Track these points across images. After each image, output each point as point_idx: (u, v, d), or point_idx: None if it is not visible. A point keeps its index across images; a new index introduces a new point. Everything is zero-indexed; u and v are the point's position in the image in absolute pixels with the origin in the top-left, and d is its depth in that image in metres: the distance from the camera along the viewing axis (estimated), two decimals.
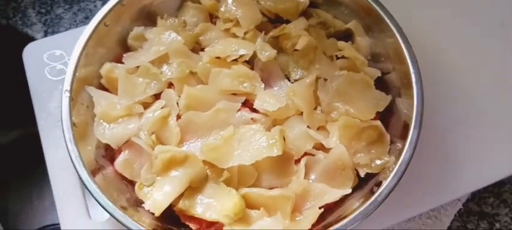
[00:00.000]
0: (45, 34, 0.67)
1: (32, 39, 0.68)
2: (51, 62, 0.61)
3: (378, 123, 0.52)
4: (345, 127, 0.51)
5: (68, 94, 0.50)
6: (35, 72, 0.61)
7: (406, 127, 0.51)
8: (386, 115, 0.54)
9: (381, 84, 0.56)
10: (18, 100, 0.70)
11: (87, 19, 0.69)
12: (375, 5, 0.57)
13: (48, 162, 0.57)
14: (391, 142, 0.52)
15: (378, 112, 0.53)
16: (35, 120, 0.61)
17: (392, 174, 0.46)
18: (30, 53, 0.62)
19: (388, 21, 0.56)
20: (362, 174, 0.50)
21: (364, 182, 0.51)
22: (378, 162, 0.50)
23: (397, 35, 0.55)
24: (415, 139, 0.48)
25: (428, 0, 0.70)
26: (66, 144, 0.48)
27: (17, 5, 0.70)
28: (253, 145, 0.50)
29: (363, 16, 0.59)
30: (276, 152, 0.48)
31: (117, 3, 0.56)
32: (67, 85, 0.51)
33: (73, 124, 0.49)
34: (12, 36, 0.69)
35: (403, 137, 0.50)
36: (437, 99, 0.60)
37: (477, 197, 0.66)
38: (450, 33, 0.67)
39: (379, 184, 0.48)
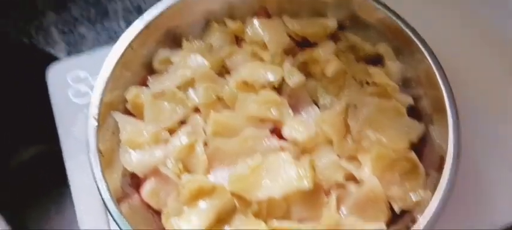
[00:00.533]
0: (68, 54, 0.67)
1: (55, 58, 0.67)
2: (75, 84, 0.60)
3: (412, 154, 0.50)
4: (378, 158, 0.49)
5: (94, 120, 0.50)
6: (58, 93, 0.61)
7: (441, 158, 0.49)
8: (418, 145, 0.53)
9: (412, 110, 0.55)
10: (38, 116, 0.70)
11: (110, 39, 0.68)
12: (404, 27, 0.55)
13: (73, 188, 0.56)
14: (426, 174, 0.50)
15: (411, 143, 0.52)
16: (55, 136, 0.60)
17: (428, 212, 0.45)
18: (53, 73, 0.62)
19: (418, 43, 0.54)
20: (397, 209, 0.49)
21: (399, 217, 0.49)
22: (413, 196, 0.49)
23: (429, 58, 0.53)
24: (453, 175, 0.46)
25: (460, 21, 0.68)
26: (93, 174, 0.47)
27: (40, 23, 0.70)
28: (283, 176, 0.48)
29: (392, 38, 0.58)
30: (306, 185, 0.47)
31: (143, 26, 0.55)
32: (94, 112, 0.50)
33: (100, 152, 0.48)
34: (35, 55, 0.68)
35: (439, 169, 0.48)
36: (471, 125, 0.58)
37: None
38: (486, 56, 0.65)
39: (414, 221, 0.46)
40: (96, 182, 0.47)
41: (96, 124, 0.50)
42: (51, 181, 0.87)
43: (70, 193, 0.58)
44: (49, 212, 0.90)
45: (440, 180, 0.46)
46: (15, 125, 0.83)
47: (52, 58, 0.67)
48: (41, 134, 0.82)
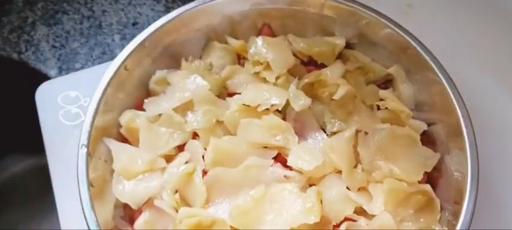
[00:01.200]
0: (60, 71, 0.63)
1: (45, 76, 0.63)
2: (66, 105, 0.57)
3: (428, 187, 0.47)
4: (391, 192, 0.46)
5: (85, 149, 0.46)
6: (48, 115, 0.57)
7: (457, 190, 0.46)
8: (433, 176, 0.49)
9: (426, 137, 0.51)
10: (28, 131, 0.67)
11: (104, 54, 0.64)
12: (415, 45, 0.52)
13: (61, 215, 0.53)
14: (441, 208, 0.47)
15: (424, 173, 0.48)
16: (45, 151, 0.56)
17: None
18: (43, 94, 0.58)
19: (431, 63, 0.51)
20: None
21: None
22: None
23: (443, 80, 0.50)
24: (472, 210, 0.43)
25: (474, 37, 0.65)
26: (83, 208, 0.44)
27: (30, 38, 0.66)
28: (288, 209, 0.45)
29: (403, 58, 0.54)
30: (313, 219, 0.43)
31: (138, 45, 0.51)
32: (84, 139, 0.46)
33: (90, 184, 0.45)
34: (25, 72, 0.65)
35: (456, 202, 0.45)
36: (488, 151, 0.54)
37: None
38: (502, 76, 0.62)
39: None
40: (85, 217, 0.43)
41: (86, 151, 0.46)
42: (42, 195, 0.85)
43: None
44: (39, 226, 0.87)
45: (460, 218, 0.43)
46: (4, 139, 0.80)
47: (43, 76, 0.64)
48: (32, 147, 0.79)
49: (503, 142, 0.58)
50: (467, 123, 0.48)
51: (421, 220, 0.46)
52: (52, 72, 0.63)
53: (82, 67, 0.63)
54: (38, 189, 0.85)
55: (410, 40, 0.52)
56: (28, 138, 0.70)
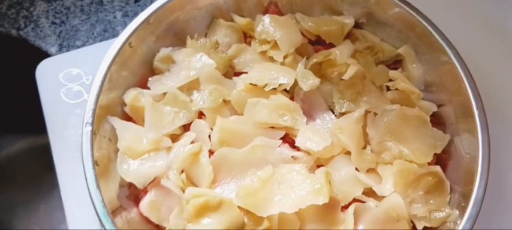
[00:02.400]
0: (60, 48, 0.61)
1: (45, 53, 0.62)
2: (68, 83, 0.55)
3: (438, 168, 0.46)
4: (401, 173, 0.45)
5: (90, 127, 0.45)
6: (49, 93, 0.56)
7: (468, 172, 0.45)
8: (443, 157, 0.49)
9: (435, 118, 0.51)
10: (27, 110, 0.66)
11: (105, 32, 0.63)
12: (426, 24, 0.51)
13: (64, 197, 0.52)
14: (451, 190, 0.46)
15: (434, 154, 0.48)
16: (45, 129, 0.55)
17: None
18: (44, 72, 0.57)
19: (442, 42, 0.50)
20: (419, 227, 0.45)
21: None
22: (438, 214, 0.45)
23: (454, 59, 0.49)
24: (483, 191, 0.43)
25: (486, 16, 0.64)
26: (88, 186, 0.43)
27: (29, 14, 0.64)
28: (296, 190, 0.44)
29: (413, 38, 0.53)
30: (322, 200, 0.43)
31: (143, 22, 0.50)
32: (88, 117, 0.45)
33: (95, 163, 0.44)
34: (24, 49, 0.63)
35: (465, 184, 0.45)
36: (499, 134, 0.53)
37: None
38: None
39: None
40: (90, 195, 0.43)
41: (91, 129, 0.45)
42: (39, 176, 0.84)
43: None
44: (38, 208, 0.86)
45: (470, 199, 0.42)
46: (2, 118, 0.79)
47: (43, 53, 0.63)
48: (29, 127, 0.77)
49: None
50: (479, 104, 0.47)
51: (431, 201, 0.46)
52: (52, 50, 0.62)
53: (83, 45, 0.62)
54: (38, 168, 0.84)
55: (419, 18, 0.51)
56: (28, 116, 0.68)
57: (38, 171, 0.84)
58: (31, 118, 0.63)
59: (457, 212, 0.44)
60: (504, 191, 0.54)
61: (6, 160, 0.87)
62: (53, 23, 0.63)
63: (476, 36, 0.62)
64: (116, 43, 0.48)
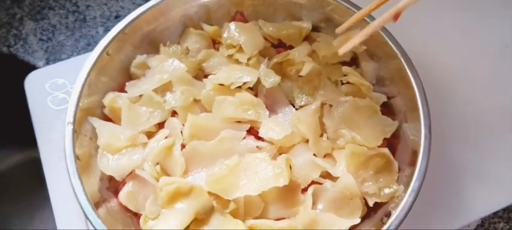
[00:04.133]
0: (47, 62, 0.67)
1: (33, 67, 0.67)
2: (54, 91, 0.60)
3: (386, 150, 0.51)
4: (352, 156, 0.50)
5: (71, 126, 0.50)
6: (37, 101, 0.61)
7: (414, 153, 0.50)
8: (393, 141, 0.54)
9: (387, 108, 0.56)
10: (19, 125, 0.70)
11: (89, 46, 0.68)
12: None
13: (52, 194, 0.56)
14: (399, 169, 0.51)
15: (384, 139, 0.53)
16: (37, 144, 0.60)
17: (402, 205, 0.46)
18: (32, 82, 0.62)
19: (391, 44, 0.55)
20: (371, 203, 0.50)
21: (373, 211, 0.50)
22: (387, 190, 0.50)
23: (401, 58, 0.54)
24: (424, 168, 0.47)
25: (431, 21, 0.70)
26: (70, 178, 0.47)
27: (18, 32, 0.70)
28: (259, 174, 0.49)
29: (366, 40, 0.59)
30: (282, 182, 0.47)
31: (119, 32, 0.55)
32: (70, 117, 0.50)
33: (76, 157, 0.48)
34: (14, 64, 0.68)
35: (412, 164, 0.50)
36: (444, 121, 0.59)
37: (487, 222, 0.65)
38: (456, 54, 0.67)
39: (388, 214, 0.47)
40: (72, 187, 0.47)
41: (72, 128, 0.50)
42: (33, 189, 0.87)
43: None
44: (33, 220, 0.89)
45: (414, 174, 0.47)
46: None
47: (31, 67, 0.68)
48: (21, 142, 0.81)
49: (457, 115, 0.63)
50: (422, 96, 0.52)
51: (381, 180, 0.50)
52: (40, 63, 0.67)
53: (68, 58, 0.67)
54: (30, 183, 0.88)
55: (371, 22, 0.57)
56: (18, 131, 0.73)
57: (31, 184, 0.87)
58: (23, 134, 0.67)
59: (403, 187, 0.48)
60: (444, 168, 0.59)
61: (0, 175, 0.90)
62: (41, 39, 0.69)
63: (422, 34, 0.68)
64: (95, 52, 0.53)
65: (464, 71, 0.67)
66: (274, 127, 0.52)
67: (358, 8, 0.58)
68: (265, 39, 0.59)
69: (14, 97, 0.66)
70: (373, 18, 0.54)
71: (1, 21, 0.71)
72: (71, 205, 0.55)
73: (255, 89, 0.56)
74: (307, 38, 0.61)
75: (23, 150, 0.88)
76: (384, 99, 0.56)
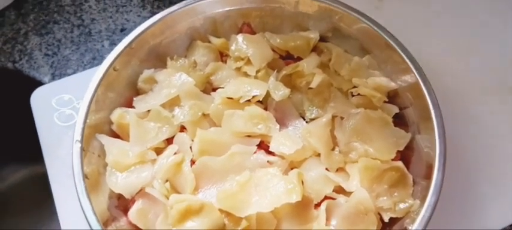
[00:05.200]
0: (53, 77, 0.66)
1: (39, 82, 0.66)
2: (60, 107, 0.60)
3: (400, 164, 0.50)
4: (366, 170, 0.49)
5: (79, 144, 0.49)
6: (43, 118, 0.60)
7: (429, 166, 0.49)
8: (406, 154, 0.53)
9: (399, 119, 0.55)
10: (25, 140, 0.69)
11: (94, 59, 0.68)
12: (386, 37, 0.56)
13: (59, 212, 0.55)
14: (414, 182, 0.50)
15: (398, 151, 0.52)
16: (43, 159, 0.59)
17: (418, 220, 0.45)
18: (38, 99, 0.61)
19: (401, 53, 0.54)
20: (386, 219, 0.49)
21: (388, 227, 0.49)
22: (402, 205, 0.48)
23: (412, 67, 0.53)
24: (440, 181, 0.46)
25: (442, 28, 0.69)
26: (79, 197, 0.47)
27: (23, 47, 0.69)
28: (271, 190, 0.48)
29: (376, 50, 0.58)
30: (295, 198, 0.47)
31: (125, 47, 0.55)
32: (78, 135, 0.49)
33: (85, 176, 0.48)
34: (19, 80, 0.67)
35: (427, 177, 0.49)
36: (458, 131, 0.58)
37: None
38: (468, 62, 0.66)
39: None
40: (81, 206, 0.46)
41: (80, 146, 0.49)
42: (40, 203, 0.87)
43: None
44: None
45: (430, 189, 0.46)
46: (1, 149, 0.82)
47: (37, 83, 0.67)
48: (29, 156, 0.81)
49: (470, 123, 0.62)
50: (435, 106, 0.51)
51: (396, 194, 0.49)
52: (46, 79, 0.66)
53: (74, 73, 0.66)
54: (37, 198, 0.87)
55: (380, 32, 0.56)
56: (25, 147, 0.72)
57: (37, 199, 0.87)
58: (30, 149, 0.67)
59: (419, 201, 0.47)
60: (461, 180, 0.57)
61: (8, 190, 0.90)
62: (46, 54, 0.68)
63: (435, 46, 0.67)
64: (101, 67, 0.53)
65: (476, 77, 0.66)
66: (285, 141, 0.51)
67: (366, 16, 0.57)
68: (274, 50, 0.59)
69: (20, 112, 0.65)
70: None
71: (6, 37, 0.70)
72: (79, 221, 0.54)
73: (264, 102, 0.55)
74: (315, 49, 0.60)
75: (29, 164, 0.88)
76: (396, 110, 0.55)
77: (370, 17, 0.57)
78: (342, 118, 0.53)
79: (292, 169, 0.51)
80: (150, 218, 0.50)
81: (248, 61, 0.57)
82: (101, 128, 0.53)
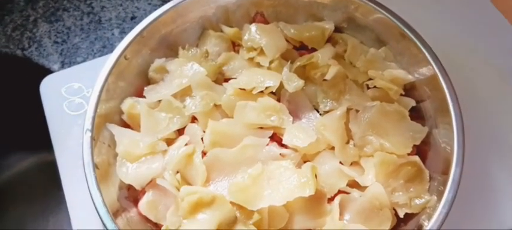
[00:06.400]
0: (62, 65, 0.65)
1: (49, 70, 0.66)
2: (70, 96, 0.59)
3: (416, 158, 0.49)
4: (382, 164, 0.48)
5: (89, 134, 0.48)
6: (53, 107, 0.59)
7: (446, 161, 0.48)
8: (422, 148, 0.51)
9: (415, 113, 0.53)
10: (34, 127, 0.69)
11: (104, 48, 0.67)
12: (403, 28, 0.54)
13: (69, 202, 0.55)
14: (430, 178, 0.49)
15: (414, 145, 0.50)
16: (51, 147, 0.58)
17: (435, 217, 0.43)
18: (47, 87, 0.61)
19: (419, 44, 0.53)
20: (401, 214, 0.47)
21: (403, 223, 0.48)
22: (418, 201, 0.47)
23: (430, 59, 0.52)
24: (458, 177, 0.45)
25: (461, 20, 0.67)
26: (89, 188, 0.46)
27: (33, 35, 0.68)
28: (284, 184, 0.47)
29: (392, 40, 0.57)
30: (308, 192, 0.46)
31: (136, 35, 0.54)
32: (88, 125, 0.49)
33: (95, 166, 0.47)
34: (29, 68, 0.67)
35: (444, 172, 0.47)
36: (476, 125, 0.56)
37: None
38: (488, 54, 0.64)
39: (420, 227, 0.45)
40: (91, 196, 0.46)
41: (91, 135, 0.48)
42: (48, 191, 0.87)
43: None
44: (47, 223, 0.89)
45: (447, 184, 0.45)
46: (10, 136, 0.82)
47: (46, 71, 0.66)
48: (37, 144, 0.81)
49: (489, 117, 0.61)
50: (454, 99, 0.50)
51: (411, 189, 0.48)
52: (55, 67, 0.66)
53: (84, 61, 0.66)
54: (45, 185, 0.88)
55: (398, 23, 0.54)
56: (34, 134, 0.72)
57: (46, 187, 0.87)
58: (38, 137, 0.66)
59: (435, 197, 0.46)
60: (479, 176, 0.56)
61: (16, 177, 0.90)
62: (55, 42, 0.67)
63: (450, 34, 0.66)
64: (112, 56, 0.52)
65: (496, 70, 0.64)
66: (298, 134, 0.50)
67: (383, 7, 0.55)
68: (287, 41, 0.57)
69: (29, 99, 0.65)
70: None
71: (15, 23, 0.70)
72: (88, 210, 0.53)
73: (277, 94, 0.54)
74: (330, 39, 0.58)
75: (38, 152, 0.88)
76: (413, 103, 0.53)
77: (387, 7, 0.55)
78: (357, 111, 0.52)
79: (305, 162, 0.51)
80: (160, 210, 0.49)
81: (261, 52, 0.55)
82: (111, 118, 0.52)
